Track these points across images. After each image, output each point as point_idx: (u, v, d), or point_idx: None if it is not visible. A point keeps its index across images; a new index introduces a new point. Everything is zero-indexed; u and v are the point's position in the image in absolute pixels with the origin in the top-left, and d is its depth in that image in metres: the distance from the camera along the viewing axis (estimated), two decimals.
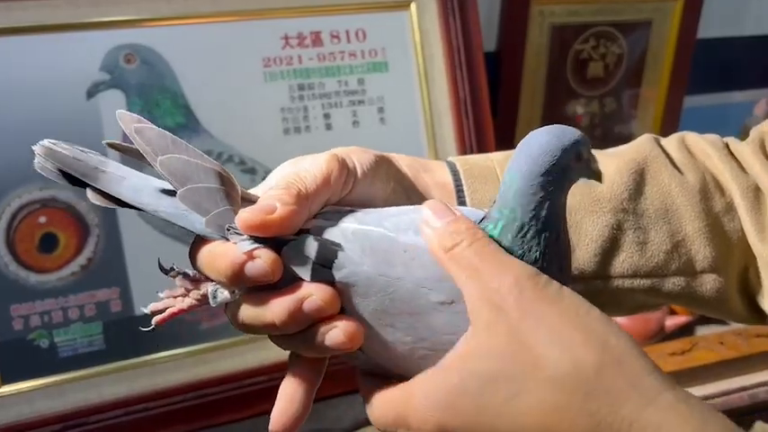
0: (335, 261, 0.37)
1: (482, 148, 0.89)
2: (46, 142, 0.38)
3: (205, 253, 0.38)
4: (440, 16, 0.88)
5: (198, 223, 0.37)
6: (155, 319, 0.39)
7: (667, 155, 0.52)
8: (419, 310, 0.36)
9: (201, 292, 0.39)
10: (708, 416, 0.32)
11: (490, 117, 0.90)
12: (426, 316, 0.36)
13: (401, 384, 0.37)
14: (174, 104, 0.79)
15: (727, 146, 0.53)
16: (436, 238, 0.37)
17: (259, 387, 0.80)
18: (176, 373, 0.78)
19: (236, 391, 0.79)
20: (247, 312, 0.38)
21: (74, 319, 0.75)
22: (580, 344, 0.33)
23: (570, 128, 0.39)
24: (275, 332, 0.38)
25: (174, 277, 0.40)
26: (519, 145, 0.39)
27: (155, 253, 0.78)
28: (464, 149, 0.89)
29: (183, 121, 0.79)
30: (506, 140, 1.07)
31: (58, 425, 0.73)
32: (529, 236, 0.37)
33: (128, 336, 0.76)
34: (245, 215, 0.36)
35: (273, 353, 0.81)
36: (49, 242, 0.74)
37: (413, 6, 0.88)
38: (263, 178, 0.42)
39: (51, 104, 0.74)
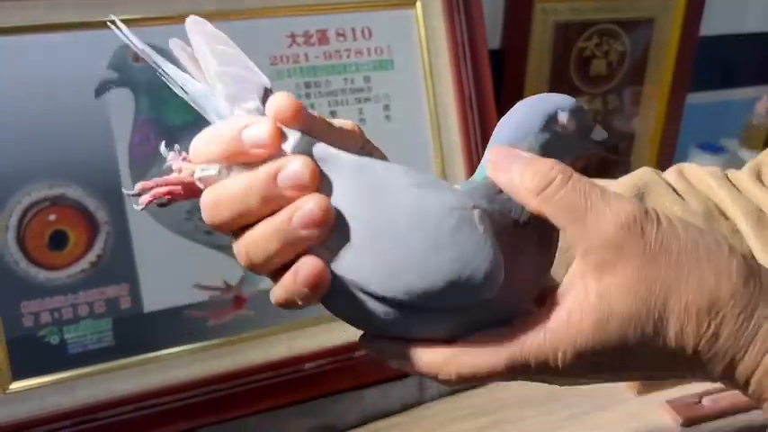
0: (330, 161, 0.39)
1: (486, 145, 0.89)
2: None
3: (206, 133, 0.39)
4: (445, 14, 0.89)
5: (219, 103, 0.40)
6: (141, 199, 0.39)
7: (668, 184, 0.53)
8: (389, 190, 0.37)
9: (190, 171, 0.39)
10: None
11: (495, 114, 0.91)
12: (394, 195, 0.37)
13: (507, 332, 0.36)
14: (182, 102, 0.79)
15: (726, 176, 0.54)
16: (522, 179, 0.36)
17: (267, 383, 0.80)
18: (185, 369, 0.78)
19: (244, 387, 0.80)
20: (229, 186, 0.37)
21: (83, 315, 0.75)
22: (711, 276, 0.34)
23: (556, 95, 0.40)
24: (252, 213, 0.37)
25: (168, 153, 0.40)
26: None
27: (164, 250, 0.78)
28: (469, 146, 0.89)
29: (192, 120, 0.80)
30: None
31: (67, 421, 0.74)
32: (506, 196, 0.38)
33: (137, 332, 0.77)
34: (280, 97, 0.39)
35: (282, 349, 0.82)
36: (58, 239, 0.75)
37: (418, 4, 0.88)
38: None
39: (60, 103, 0.75)
